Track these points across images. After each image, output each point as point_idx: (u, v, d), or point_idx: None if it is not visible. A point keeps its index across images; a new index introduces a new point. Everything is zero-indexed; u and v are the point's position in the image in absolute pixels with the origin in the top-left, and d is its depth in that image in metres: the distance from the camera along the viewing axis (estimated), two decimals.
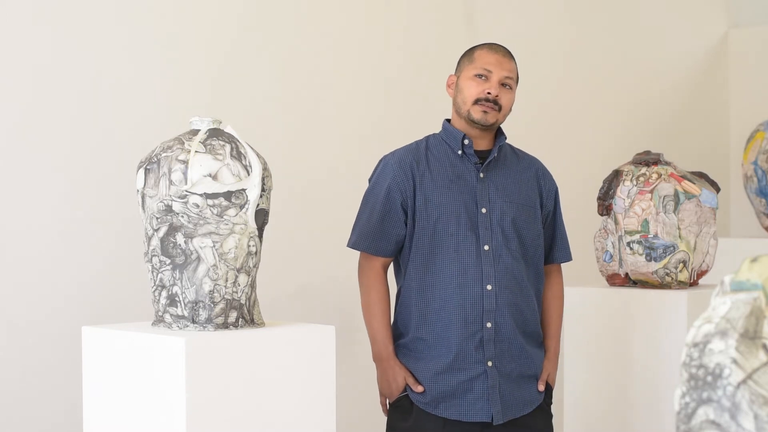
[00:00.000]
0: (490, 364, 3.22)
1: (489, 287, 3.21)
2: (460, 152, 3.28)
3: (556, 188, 3.44)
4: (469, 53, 3.32)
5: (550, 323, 3.40)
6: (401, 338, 3.32)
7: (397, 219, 3.25)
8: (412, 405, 3.26)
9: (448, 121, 3.35)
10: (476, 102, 3.24)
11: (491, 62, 3.26)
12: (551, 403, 3.37)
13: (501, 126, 3.34)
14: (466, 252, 3.22)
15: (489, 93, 3.23)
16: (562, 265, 3.50)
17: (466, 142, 3.28)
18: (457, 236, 3.22)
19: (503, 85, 3.26)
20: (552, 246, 3.42)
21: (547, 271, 3.43)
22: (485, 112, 3.24)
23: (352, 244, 3.31)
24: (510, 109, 3.29)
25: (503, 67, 3.26)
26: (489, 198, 3.25)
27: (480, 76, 3.25)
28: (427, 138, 3.36)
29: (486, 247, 3.23)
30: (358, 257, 3.35)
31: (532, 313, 3.31)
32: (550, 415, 3.37)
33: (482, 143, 3.31)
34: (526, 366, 3.28)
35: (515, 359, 3.26)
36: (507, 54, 3.30)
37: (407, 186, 3.25)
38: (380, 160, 3.35)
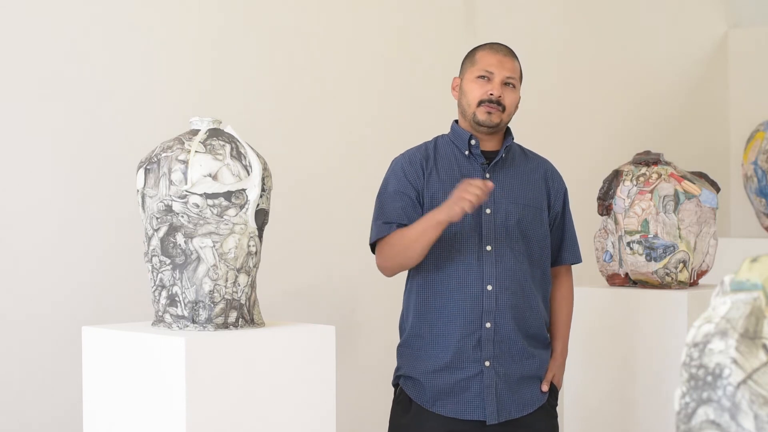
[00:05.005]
0: (487, 364, 3.21)
1: (489, 287, 3.21)
2: (467, 152, 3.28)
3: (566, 189, 3.42)
4: (471, 55, 3.32)
5: (558, 324, 3.39)
6: (403, 334, 3.33)
7: (416, 207, 3.23)
8: (411, 401, 3.27)
9: (457, 122, 3.35)
10: (480, 104, 3.24)
11: (493, 63, 3.25)
12: (556, 405, 3.37)
13: (509, 126, 3.33)
14: (467, 252, 3.22)
15: (491, 94, 3.23)
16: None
17: (472, 142, 3.28)
18: (460, 236, 3.22)
19: (506, 84, 3.25)
20: (561, 247, 3.40)
21: (556, 272, 3.42)
22: (489, 113, 3.23)
23: (372, 239, 3.27)
24: (515, 108, 3.28)
25: (505, 67, 3.25)
26: (494, 199, 3.25)
27: (482, 77, 3.25)
28: (436, 139, 3.36)
29: (488, 248, 3.22)
30: (376, 255, 3.29)
31: (534, 314, 3.29)
32: (554, 416, 3.36)
33: (490, 144, 3.31)
34: (528, 367, 3.27)
35: (516, 360, 3.25)
36: (509, 53, 3.30)
37: (418, 182, 3.26)
38: (392, 162, 3.35)
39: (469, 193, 3.04)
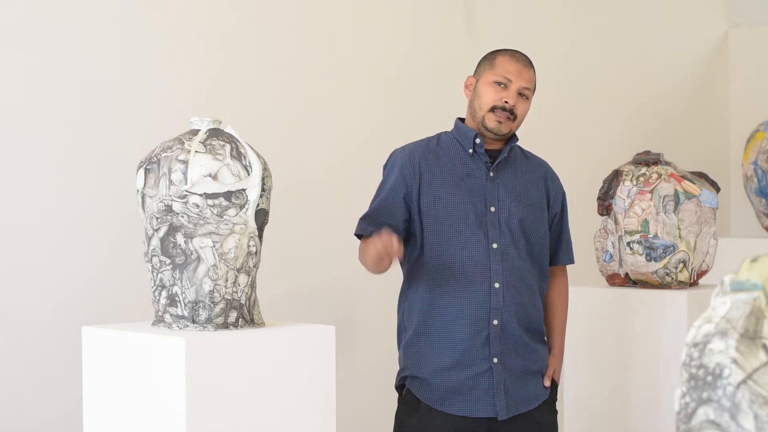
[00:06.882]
0: (495, 360, 3.24)
1: (497, 285, 3.22)
2: (471, 151, 3.29)
3: (564, 192, 3.46)
4: (491, 57, 3.32)
5: (555, 321, 3.43)
6: (406, 334, 3.32)
7: (396, 210, 3.24)
8: (419, 402, 3.27)
9: (462, 120, 3.36)
10: (492, 110, 3.25)
11: (512, 71, 3.26)
12: (556, 400, 3.40)
13: None
14: (474, 249, 3.23)
15: (506, 102, 3.24)
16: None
17: (477, 141, 3.29)
18: (466, 234, 3.24)
19: (521, 95, 3.26)
20: (557, 248, 3.44)
21: (552, 271, 3.45)
22: (500, 122, 3.25)
23: (356, 231, 3.29)
24: (524, 118, 3.30)
25: (523, 77, 3.27)
26: (498, 197, 3.27)
27: (499, 83, 3.26)
28: (439, 135, 3.37)
29: (494, 246, 3.24)
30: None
31: (536, 310, 3.33)
32: (556, 411, 3.40)
33: (493, 143, 3.33)
34: (530, 362, 3.30)
35: (520, 355, 3.28)
36: (528, 64, 3.31)
37: (413, 181, 3.26)
38: (391, 154, 3.35)
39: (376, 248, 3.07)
